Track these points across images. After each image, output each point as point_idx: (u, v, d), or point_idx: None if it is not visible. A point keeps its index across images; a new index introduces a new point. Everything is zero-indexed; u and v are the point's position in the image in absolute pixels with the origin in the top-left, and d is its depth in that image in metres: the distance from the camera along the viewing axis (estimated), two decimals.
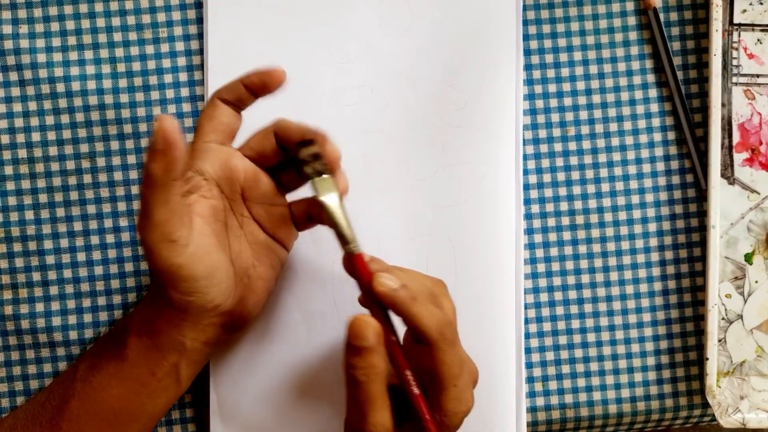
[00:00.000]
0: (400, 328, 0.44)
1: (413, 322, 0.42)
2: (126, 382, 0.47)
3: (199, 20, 0.53)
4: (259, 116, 0.53)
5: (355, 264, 0.43)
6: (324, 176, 0.44)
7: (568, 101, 0.54)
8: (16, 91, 0.53)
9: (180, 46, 0.53)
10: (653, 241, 0.54)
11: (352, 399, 0.42)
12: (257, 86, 0.46)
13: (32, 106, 0.53)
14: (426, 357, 0.42)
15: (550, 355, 0.54)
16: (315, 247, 0.53)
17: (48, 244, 0.53)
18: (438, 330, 0.42)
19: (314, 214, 0.47)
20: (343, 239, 0.43)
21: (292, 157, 0.45)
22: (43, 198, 0.53)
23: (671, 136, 0.54)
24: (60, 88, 0.53)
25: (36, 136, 0.53)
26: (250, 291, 0.48)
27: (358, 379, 0.42)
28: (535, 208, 0.54)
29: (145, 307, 0.47)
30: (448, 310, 0.44)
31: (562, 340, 0.54)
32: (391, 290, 0.42)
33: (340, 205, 0.44)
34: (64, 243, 0.53)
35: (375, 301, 0.43)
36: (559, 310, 0.54)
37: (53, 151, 0.53)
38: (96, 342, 0.49)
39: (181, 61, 0.53)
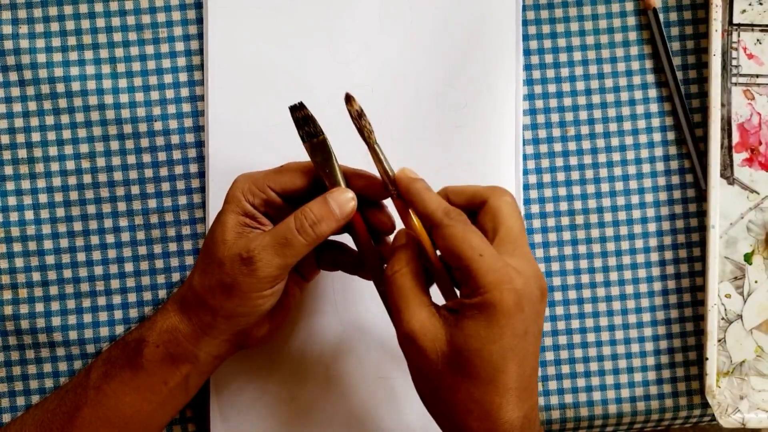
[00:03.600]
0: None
1: (418, 205, 0.43)
2: (139, 391, 0.47)
3: (199, 20, 0.53)
4: (259, 116, 0.53)
5: (398, 178, 0.44)
6: (319, 139, 0.45)
7: (567, 101, 0.54)
8: (16, 91, 0.53)
9: (180, 46, 0.53)
10: (653, 241, 0.54)
11: (391, 304, 0.43)
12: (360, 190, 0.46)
13: (32, 106, 0.53)
14: (437, 240, 0.42)
15: (549, 355, 0.54)
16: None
17: (48, 244, 0.53)
18: (442, 210, 0.42)
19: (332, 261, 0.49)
20: (331, 182, 0.45)
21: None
22: (43, 198, 0.53)
23: (671, 136, 0.54)
24: (60, 88, 0.53)
25: (36, 137, 0.53)
26: (271, 318, 0.49)
27: (387, 273, 0.43)
28: (535, 208, 0.54)
29: (166, 318, 0.47)
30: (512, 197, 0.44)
31: (562, 340, 0.54)
32: (409, 179, 0.44)
33: (334, 166, 0.45)
34: (64, 243, 0.53)
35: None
36: (559, 310, 0.54)
37: (53, 151, 0.53)
38: (109, 350, 0.49)
39: (181, 61, 0.53)
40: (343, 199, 0.45)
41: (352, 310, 0.53)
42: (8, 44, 0.53)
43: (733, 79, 0.54)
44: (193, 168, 0.54)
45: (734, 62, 0.54)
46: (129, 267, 0.54)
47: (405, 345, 0.42)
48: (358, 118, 0.44)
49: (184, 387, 0.48)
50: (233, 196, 0.45)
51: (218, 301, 0.45)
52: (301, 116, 0.45)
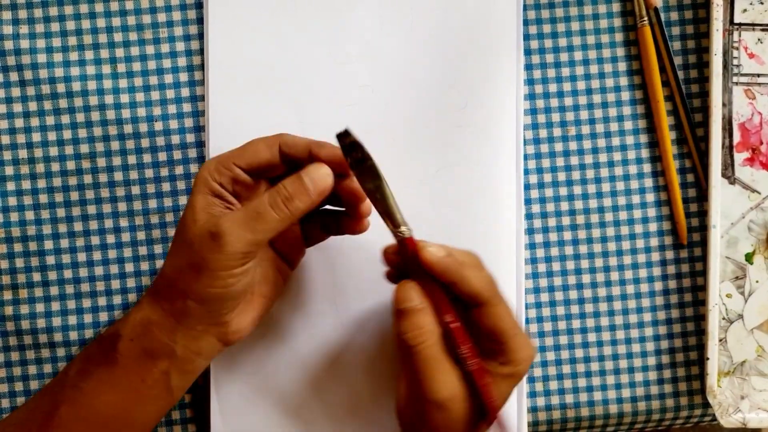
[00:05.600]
0: None
1: (465, 285, 0.43)
2: (116, 389, 0.46)
3: (200, 20, 0.53)
4: (259, 116, 0.53)
5: (404, 247, 0.44)
6: (367, 163, 0.44)
7: (568, 101, 0.54)
8: (16, 92, 0.53)
9: (180, 46, 0.53)
10: (654, 241, 0.54)
11: (411, 370, 0.43)
12: (321, 158, 0.45)
13: (33, 106, 0.53)
14: (483, 319, 0.43)
15: (550, 355, 0.54)
16: (315, 247, 0.53)
17: (48, 245, 0.53)
18: (489, 287, 0.44)
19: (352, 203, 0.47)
20: (393, 223, 0.44)
21: (295, 167, 0.45)
22: (43, 198, 0.53)
23: (672, 135, 0.54)
24: (60, 88, 0.53)
25: (36, 137, 0.53)
26: (250, 307, 0.48)
27: (411, 344, 0.42)
28: (536, 208, 0.54)
29: (139, 310, 0.47)
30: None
31: (563, 340, 0.54)
32: (440, 258, 0.43)
33: (386, 191, 0.44)
34: (65, 243, 0.53)
35: (427, 276, 0.44)
36: (560, 310, 0.54)
37: (54, 151, 0.53)
38: (86, 347, 0.48)
39: (182, 61, 0.53)
40: (318, 175, 0.44)
41: (352, 309, 0.53)
42: (9, 44, 0.53)
43: (734, 79, 0.54)
44: (194, 168, 0.54)
45: (735, 62, 0.54)
46: (129, 267, 0.54)
47: (435, 412, 0.43)
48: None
49: (166, 386, 0.47)
50: (200, 177, 0.45)
51: (188, 282, 0.44)
52: (348, 143, 0.44)
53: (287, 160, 0.46)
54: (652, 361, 0.54)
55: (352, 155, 0.44)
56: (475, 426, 0.44)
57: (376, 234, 0.53)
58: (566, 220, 0.54)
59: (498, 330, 0.43)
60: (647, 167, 0.54)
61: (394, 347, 0.53)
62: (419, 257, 0.43)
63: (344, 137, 0.44)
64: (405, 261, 0.44)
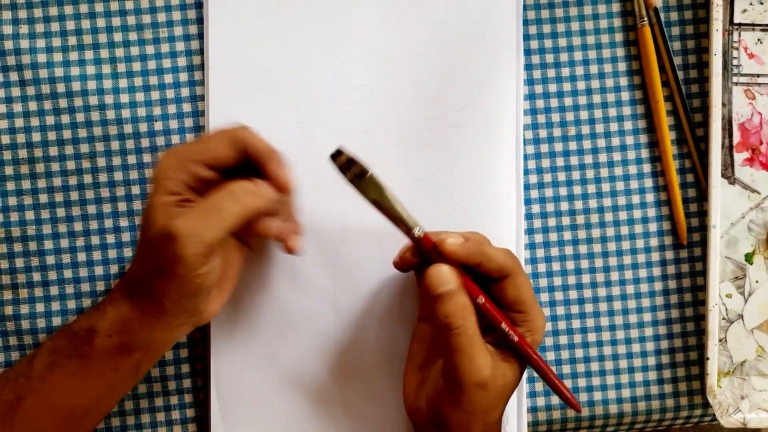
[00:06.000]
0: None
1: (492, 262, 0.45)
2: (88, 380, 0.46)
3: (200, 20, 0.53)
4: (259, 116, 0.53)
5: (423, 246, 0.46)
6: (366, 176, 0.45)
7: (568, 101, 0.54)
8: (16, 92, 0.53)
9: (180, 46, 0.53)
10: (654, 241, 0.54)
11: (455, 349, 0.44)
12: (268, 175, 0.45)
13: (32, 106, 0.53)
14: (509, 289, 0.46)
15: (550, 355, 0.54)
16: (315, 247, 0.53)
17: (48, 245, 0.53)
18: (511, 258, 0.46)
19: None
20: (404, 227, 0.45)
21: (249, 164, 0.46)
22: (43, 198, 0.53)
23: (672, 136, 0.54)
24: (60, 88, 0.53)
25: (36, 137, 0.53)
26: (220, 292, 0.48)
27: (456, 325, 0.43)
28: (536, 208, 0.54)
29: (117, 308, 0.46)
30: None
31: (563, 340, 0.54)
32: (461, 246, 0.45)
33: (390, 198, 0.45)
34: (65, 243, 0.53)
35: (449, 262, 0.45)
36: (560, 310, 0.54)
37: (53, 151, 0.53)
38: (53, 339, 0.48)
39: (182, 61, 0.53)
40: (276, 172, 0.45)
41: (352, 310, 0.53)
42: (8, 44, 0.53)
43: (734, 79, 0.54)
44: None
45: (735, 62, 0.54)
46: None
47: (476, 393, 0.44)
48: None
49: (135, 371, 0.48)
50: (157, 176, 0.44)
51: (159, 286, 0.44)
52: (345, 161, 0.45)
53: (246, 156, 0.46)
54: (652, 361, 0.54)
55: (351, 171, 0.45)
56: (506, 401, 0.46)
57: (376, 234, 0.53)
58: (566, 220, 0.54)
59: (522, 299, 0.46)
60: (647, 167, 0.54)
61: (395, 347, 0.53)
62: (442, 251, 0.45)
63: (338, 156, 0.45)
64: (425, 257, 0.46)
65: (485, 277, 0.46)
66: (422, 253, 0.46)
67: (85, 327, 0.47)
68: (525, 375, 0.53)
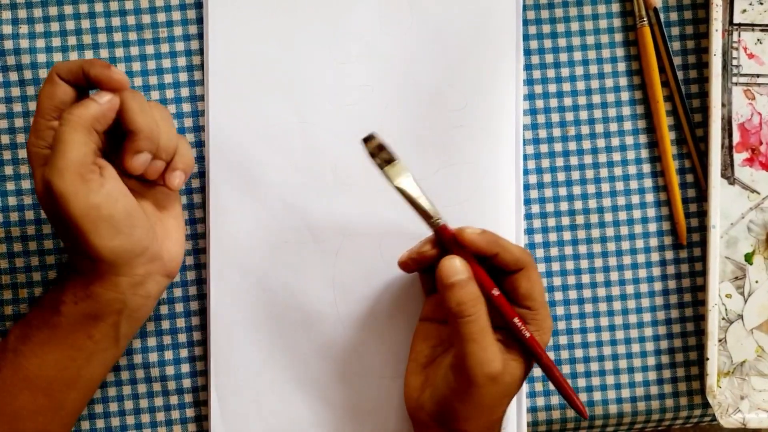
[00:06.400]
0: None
1: (508, 253, 0.46)
2: (60, 347, 0.46)
3: (199, 20, 0.53)
4: (259, 116, 0.53)
5: (442, 234, 0.47)
6: (393, 163, 0.47)
7: (568, 101, 0.54)
8: (16, 91, 0.53)
9: (180, 46, 0.53)
10: (653, 241, 0.54)
11: (467, 338, 0.44)
12: (96, 82, 0.45)
13: (32, 106, 0.53)
14: (522, 283, 0.47)
15: (550, 355, 0.54)
16: (315, 246, 0.53)
17: (48, 244, 0.53)
18: (526, 253, 0.47)
19: None
20: (425, 215, 0.47)
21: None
22: None
23: (671, 136, 0.54)
24: None
25: None
26: (170, 230, 0.49)
27: (468, 313, 0.44)
28: (536, 208, 0.54)
29: (72, 281, 0.46)
30: None
31: (563, 340, 0.54)
32: (479, 235, 0.46)
33: (415, 186, 0.47)
34: None
35: (466, 255, 0.46)
36: (560, 310, 0.54)
37: None
38: (26, 316, 0.48)
39: (181, 61, 0.53)
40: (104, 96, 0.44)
41: (353, 310, 0.53)
42: (8, 44, 0.53)
43: (734, 79, 0.54)
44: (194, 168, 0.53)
45: (735, 62, 0.54)
46: None
47: (486, 386, 0.45)
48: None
49: (114, 337, 0.47)
50: (29, 150, 0.45)
51: (79, 238, 0.44)
52: (376, 145, 0.47)
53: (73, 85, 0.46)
54: (651, 361, 0.54)
55: (380, 157, 0.47)
56: (510, 399, 0.47)
57: (377, 234, 0.53)
58: (566, 221, 0.54)
59: (533, 295, 0.47)
60: (647, 167, 0.54)
61: (395, 347, 0.53)
62: (461, 239, 0.46)
63: (370, 140, 0.47)
64: (444, 247, 0.47)
65: (498, 272, 0.47)
66: (441, 243, 0.47)
67: (51, 298, 0.47)
68: None
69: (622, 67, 0.54)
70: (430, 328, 0.50)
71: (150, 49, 0.53)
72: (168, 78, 0.53)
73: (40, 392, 0.47)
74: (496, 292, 0.46)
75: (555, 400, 0.54)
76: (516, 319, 0.46)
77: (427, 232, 0.48)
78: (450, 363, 0.46)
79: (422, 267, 0.49)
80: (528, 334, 0.46)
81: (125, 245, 0.45)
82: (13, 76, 0.53)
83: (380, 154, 0.47)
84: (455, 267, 0.45)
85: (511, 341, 0.47)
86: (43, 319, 0.47)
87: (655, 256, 0.54)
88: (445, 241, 0.47)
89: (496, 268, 0.47)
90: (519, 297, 0.47)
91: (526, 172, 0.54)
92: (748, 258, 0.54)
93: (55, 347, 0.47)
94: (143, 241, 0.46)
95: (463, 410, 0.45)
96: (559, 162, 0.54)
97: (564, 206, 0.54)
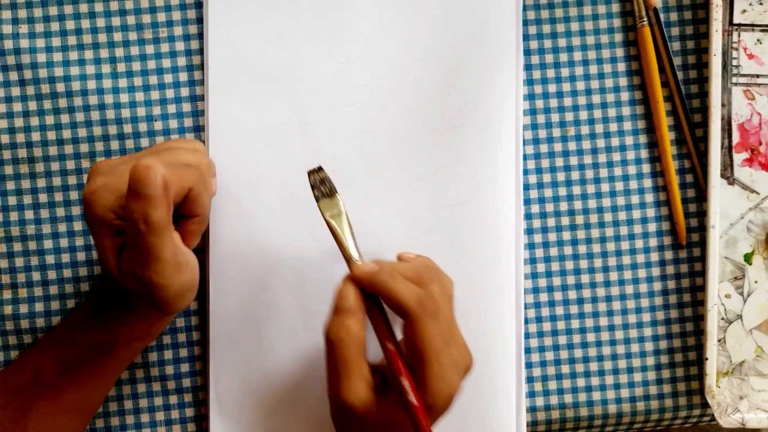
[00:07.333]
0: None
1: (392, 296, 0.43)
2: (103, 378, 0.49)
3: (199, 20, 0.53)
4: (259, 116, 0.53)
5: (355, 276, 0.45)
6: (330, 198, 0.47)
7: (568, 101, 0.54)
8: (16, 91, 0.53)
9: (180, 46, 0.53)
10: (653, 241, 0.54)
11: (330, 367, 0.43)
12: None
13: (32, 105, 0.53)
14: (406, 332, 0.43)
15: (549, 355, 0.54)
16: (315, 247, 0.53)
17: (48, 244, 0.53)
18: (416, 302, 0.43)
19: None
20: (346, 256, 0.46)
21: None
22: (43, 198, 0.53)
23: (671, 136, 0.54)
24: (60, 87, 0.53)
25: (36, 136, 0.53)
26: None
27: (332, 339, 0.43)
28: (535, 208, 0.54)
29: (128, 325, 0.48)
30: (442, 284, 0.45)
31: (562, 340, 0.54)
32: (368, 273, 0.44)
33: (342, 225, 0.47)
34: (64, 243, 0.53)
35: (372, 300, 0.45)
36: (559, 310, 0.54)
37: (53, 150, 0.53)
38: (54, 350, 0.49)
39: (181, 61, 0.53)
40: (146, 177, 0.41)
41: None
42: (8, 44, 0.53)
43: (734, 79, 0.54)
44: None
45: (734, 62, 0.54)
46: None
47: (338, 411, 0.44)
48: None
49: (135, 356, 0.51)
50: (95, 216, 0.43)
51: (165, 308, 0.45)
52: (319, 178, 0.47)
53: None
54: (650, 361, 0.54)
55: (320, 189, 0.47)
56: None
57: (377, 234, 0.53)
58: (565, 221, 0.54)
59: (417, 347, 0.43)
60: (646, 167, 0.54)
61: None
62: (350, 269, 0.45)
63: (316, 173, 0.47)
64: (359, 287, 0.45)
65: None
66: (355, 282, 0.45)
67: (101, 343, 0.48)
68: (524, 375, 0.53)
69: (622, 67, 0.54)
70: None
71: (150, 49, 0.53)
72: (168, 78, 0.53)
73: (75, 414, 0.50)
74: (390, 347, 0.43)
75: (554, 400, 0.54)
76: (403, 378, 0.42)
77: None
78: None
79: None
80: (415, 402, 0.42)
81: (192, 297, 0.47)
82: (13, 76, 0.53)
83: (320, 186, 0.47)
84: (344, 294, 0.44)
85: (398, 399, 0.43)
86: (89, 359, 0.48)
87: (654, 256, 0.54)
88: (357, 282, 0.45)
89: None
90: (408, 348, 0.43)
91: (526, 172, 0.54)
92: (748, 258, 0.54)
93: (99, 379, 0.49)
94: (197, 285, 0.47)
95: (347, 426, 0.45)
96: (559, 162, 0.54)
97: (564, 206, 0.54)
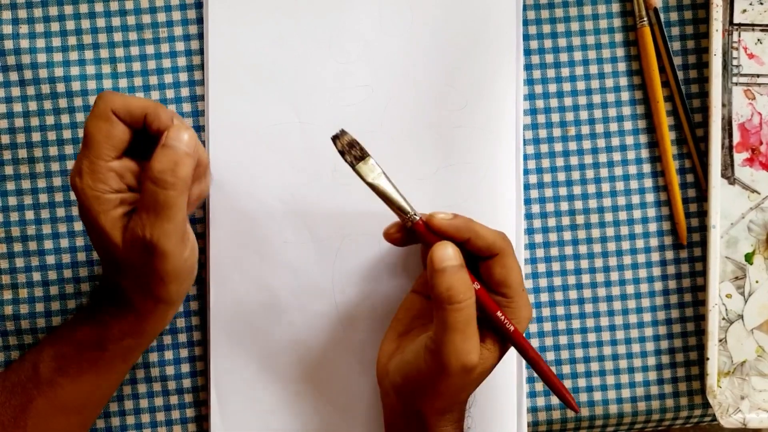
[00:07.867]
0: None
1: (480, 238, 0.45)
2: (99, 376, 0.48)
3: (199, 20, 0.53)
4: (259, 116, 0.53)
5: (418, 231, 0.46)
6: (366, 160, 0.46)
7: (568, 101, 0.54)
8: (16, 91, 0.53)
9: (180, 46, 0.53)
10: (653, 241, 0.54)
11: (451, 326, 0.43)
12: (157, 133, 0.45)
13: (32, 106, 0.53)
14: (496, 269, 0.45)
15: (550, 355, 0.54)
16: (315, 246, 0.53)
17: (48, 244, 0.53)
18: (501, 238, 0.46)
19: None
20: (400, 212, 0.46)
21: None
22: (43, 198, 0.53)
23: (672, 135, 0.54)
24: (60, 88, 0.53)
25: (36, 136, 0.53)
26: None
27: (457, 300, 0.43)
28: (536, 208, 0.54)
29: (118, 318, 0.47)
30: None
31: (563, 340, 0.54)
32: (450, 220, 0.45)
33: (388, 183, 0.46)
34: (65, 243, 0.53)
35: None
36: (560, 310, 0.54)
37: (53, 151, 0.53)
38: (52, 346, 0.49)
39: (181, 61, 0.53)
40: (180, 136, 0.43)
41: (352, 309, 0.53)
42: (8, 44, 0.53)
43: (734, 79, 0.54)
44: None
45: (735, 62, 0.54)
46: None
47: (457, 375, 0.44)
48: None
49: (141, 353, 0.51)
50: (87, 196, 0.44)
51: (159, 289, 0.45)
52: (346, 142, 0.46)
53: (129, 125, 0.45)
54: (652, 361, 0.54)
55: (351, 154, 0.46)
56: (478, 386, 0.46)
57: (377, 234, 0.53)
58: (566, 220, 0.54)
59: (508, 282, 0.45)
60: (647, 167, 0.54)
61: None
62: (431, 225, 0.45)
63: (340, 137, 0.46)
64: (422, 243, 0.46)
65: (475, 258, 0.46)
66: (419, 238, 0.46)
67: (90, 334, 0.48)
68: (524, 375, 0.53)
69: (622, 67, 0.54)
70: (415, 300, 0.50)
71: (150, 49, 0.53)
72: (168, 78, 0.53)
73: (72, 413, 0.49)
74: (476, 285, 0.45)
75: (555, 400, 0.54)
76: (499, 313, 0.45)
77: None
78: (426, 344, 0.45)
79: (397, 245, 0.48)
80: (512, 328, 0.45)
81: (189, 288, 0.47)
82: (13, 76, 0.53)
83: (351, 151, 0.46)
84: (447, 253, 0.44)
85: (486, 329, 0.46)
86: (82, 354, 0.48)
87: (655, 256, 0.54)
88: (422, 236, 0.46)
89: (472, 254, 0.46)
90: (493, 284, 0.46)
91: (526, 172, 0.54)
92: (749, 258, 0.54)
93: (93, 376, 0.48)
94: (194, 277, 0.48)
95: (429, 391, 0.45)
96: (559, 162, 0.54)
97: (564, 206, 0.54)
